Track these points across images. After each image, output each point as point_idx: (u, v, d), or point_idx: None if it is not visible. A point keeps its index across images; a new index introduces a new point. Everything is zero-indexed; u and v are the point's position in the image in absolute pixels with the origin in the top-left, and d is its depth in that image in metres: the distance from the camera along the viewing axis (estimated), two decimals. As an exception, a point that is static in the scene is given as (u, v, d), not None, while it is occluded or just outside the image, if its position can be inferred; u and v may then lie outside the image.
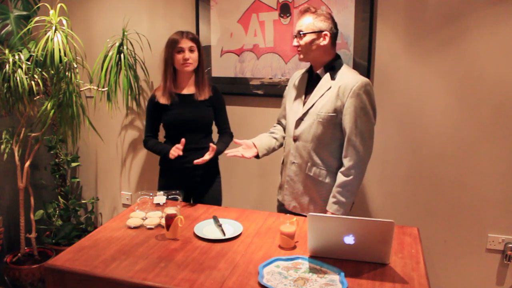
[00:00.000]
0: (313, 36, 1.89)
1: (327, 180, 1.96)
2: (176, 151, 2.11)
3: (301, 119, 1.98)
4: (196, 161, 2.08)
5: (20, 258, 2.74)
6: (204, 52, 2.30)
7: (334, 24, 1.93)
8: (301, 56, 1.96)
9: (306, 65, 2.09)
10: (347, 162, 1.89)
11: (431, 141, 2.40)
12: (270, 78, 2.60)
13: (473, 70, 2.26)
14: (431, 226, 2.47)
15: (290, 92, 2.11)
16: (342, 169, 1.90)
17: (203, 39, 2.69)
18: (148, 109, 2.32)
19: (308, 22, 1.89)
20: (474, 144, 2.33)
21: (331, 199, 1.92)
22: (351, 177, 1.88)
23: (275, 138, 2.17)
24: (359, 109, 1.85)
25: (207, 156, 2.09)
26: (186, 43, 2.16)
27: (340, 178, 1.90)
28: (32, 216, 2.72)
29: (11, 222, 2.92)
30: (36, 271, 2.67)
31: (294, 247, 1.68)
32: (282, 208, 2.14)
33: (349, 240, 1.53)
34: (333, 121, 1.90)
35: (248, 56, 2.63)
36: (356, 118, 1.85)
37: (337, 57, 1.97)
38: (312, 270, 1.51)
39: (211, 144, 2.12)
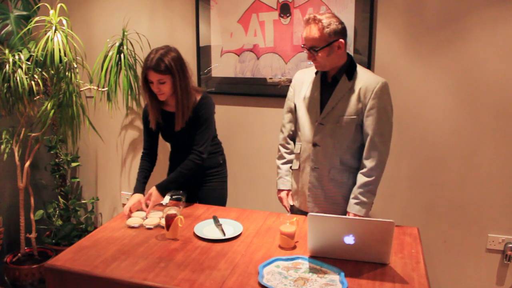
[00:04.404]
0: (328, 48, 1.80)
1: (348, 180, 1.93)
2: (128, 212, 1.98)
3: (320, 124, 1.91)
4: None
5: (20, 258, 2.74)
6: (182, 76, 2.01)
7: (341, 23, 1.82)
8: (319, 68, 1.88)
9: (307, 64, 2.04)
10: (369, 163, 1.86)
11: (431, 141, 2.40)
12: (270, 78, 2.60)
13: (473, 70, 2.26)
14: (431, 226, 2.47)
15: (299, 96, 2.01)
16: (364, 170, 1.87)
17: (203, 39, 2.69)
18: (143, 119, 2.24)
19: (319, 35, 1.77)
20: (474, 144, 2.33)
21: (353, 200, 1.89)
22: (373, 177, 1.85)
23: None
24: (381, 110, 1.83)
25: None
26: (154, 77, 1.96)
27: (362, 179, 1.87)
28: (32, 216, 2.72)
29: (11, 222, 2.91)
30: (36, 271, 2.67)
31: (294, 247, 1.68)
32: (302, 214, 2.06)
33: (349, 240, 1.53)
34: (355, 123, 1.87)
35: (248, 56, 2.63)
36: (379, 119, 1.83)
37: (350, 57, 1.91)
38: (312, 270, 1.51)
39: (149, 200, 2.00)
